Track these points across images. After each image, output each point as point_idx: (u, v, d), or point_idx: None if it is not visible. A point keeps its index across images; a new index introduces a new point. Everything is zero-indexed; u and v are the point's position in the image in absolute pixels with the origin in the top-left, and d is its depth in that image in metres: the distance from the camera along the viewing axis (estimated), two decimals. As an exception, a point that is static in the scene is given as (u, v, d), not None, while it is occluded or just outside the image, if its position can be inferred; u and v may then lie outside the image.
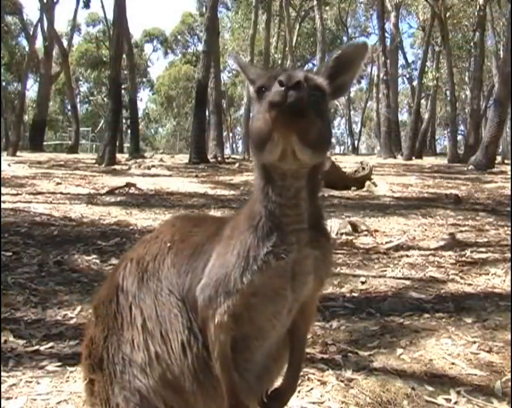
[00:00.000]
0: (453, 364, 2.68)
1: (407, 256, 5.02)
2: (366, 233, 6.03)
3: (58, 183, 10.43)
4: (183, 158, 20.21)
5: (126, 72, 28.88)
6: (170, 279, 1.49)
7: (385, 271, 4.50)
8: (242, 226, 1.37)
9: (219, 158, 19.21)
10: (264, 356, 1.48)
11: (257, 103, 1.29)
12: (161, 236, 1.60)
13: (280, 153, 1.22)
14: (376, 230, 6.21)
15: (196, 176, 13.09)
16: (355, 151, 43.37)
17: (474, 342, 2.92)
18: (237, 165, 16.89)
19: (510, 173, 13.66)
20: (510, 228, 6.20)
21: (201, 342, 1.44)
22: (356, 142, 48.74)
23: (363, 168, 11.19)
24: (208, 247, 1.47)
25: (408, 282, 4.14)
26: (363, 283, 4.11)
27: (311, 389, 2.42)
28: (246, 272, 1.32)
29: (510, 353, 2.75)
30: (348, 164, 13.11)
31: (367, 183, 11.06)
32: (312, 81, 1.26)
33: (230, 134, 54.90)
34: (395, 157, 25.88)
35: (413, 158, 24.97)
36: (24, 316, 3.30)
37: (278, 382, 1.57)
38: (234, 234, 1.39)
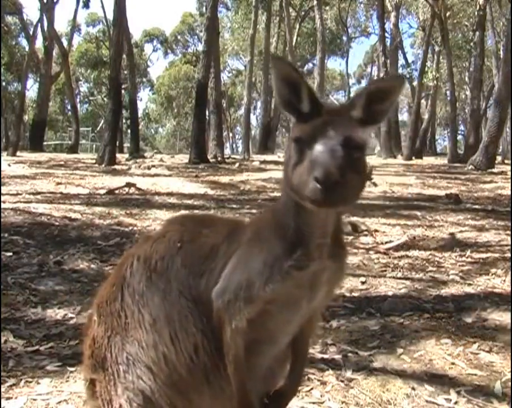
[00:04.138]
0: (453, 364, 2.68)
1: (407, 256, 5.03)
2: (366, 233, 6.04)
3: (58, 183, 10.43)
4: (183, 158, 20.21)
5: (126, 72, 28.85)
6: (181, 280, 1.48)
7: (385, 271, 4.50)
8: (267, 235, 1.39)
9: (219, 158, 19.18)
10: (271, 359, 1.49)
11: (295, 150, 1.27)
12: (169, 235, 1.58)
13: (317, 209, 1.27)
14: (376, 230, 6.21)
15: (196, 176, 13.09)
16: (355, 151, 43.28)
17: (474, 342, 2.92)
18: (237, 165, 16.89)
19: (510, 173, 13.65)
20: (510, 228, 6.20)
21: (213, 344, 1.44)
22: (356, 142, 48.61)
23: (363, 168, 11.17)
24: (226, 250, 1.46)
25: (408, 282, 4.15)
26: (363, 283, 4.11)
27: (311, 388, 2.42)
28: (269, 281, 1.34)
29: (510, 353, 2.75)
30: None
31: (367, 183, 11.05)
32: (354, 141, 1.25)
33: (230, 134, 54.89)
34: (395, 157, 25.88)
35: (413, 158, 24.95)
36: (24, 316, 3.30)
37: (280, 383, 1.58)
38: (259, 242, 1.39)
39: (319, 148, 1.22)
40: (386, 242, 5.60)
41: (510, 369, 2.58)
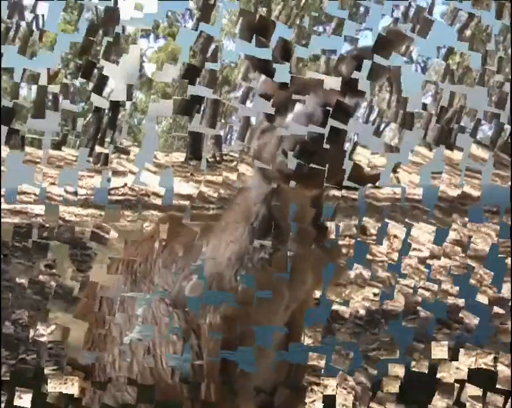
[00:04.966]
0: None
1: (409, 257, 5.00)
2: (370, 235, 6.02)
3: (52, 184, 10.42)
4: (179, 156, 20.29)
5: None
6: (165, 278, 1.45)
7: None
8: (237, 225, 1.34)
9: (217, 157, 19.30)
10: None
11: (264, 113, 1.23)
12: (155, 236, 1.57)
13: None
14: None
15: (192, 175, 13.12)
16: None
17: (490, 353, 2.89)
18: (234, 163, 16.96)
19: (510, 172, 13.75)
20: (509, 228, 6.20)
21: (197, 344, 1.39)
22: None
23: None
24: (200, 244, 1.43)
25: (419, 290, 4.12)
26: (375, 295, 4.07)
27: (314, 400, 2.36)
28: (240, 271, 1.28)
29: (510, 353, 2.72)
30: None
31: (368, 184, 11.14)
32: (332, 106, 1.18)
33: (228, 133, 55.35)
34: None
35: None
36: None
37: None
38: (229, 231, 1.35)
39: (290, 116, 1.12)
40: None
41: (509, 369, 2.55)
